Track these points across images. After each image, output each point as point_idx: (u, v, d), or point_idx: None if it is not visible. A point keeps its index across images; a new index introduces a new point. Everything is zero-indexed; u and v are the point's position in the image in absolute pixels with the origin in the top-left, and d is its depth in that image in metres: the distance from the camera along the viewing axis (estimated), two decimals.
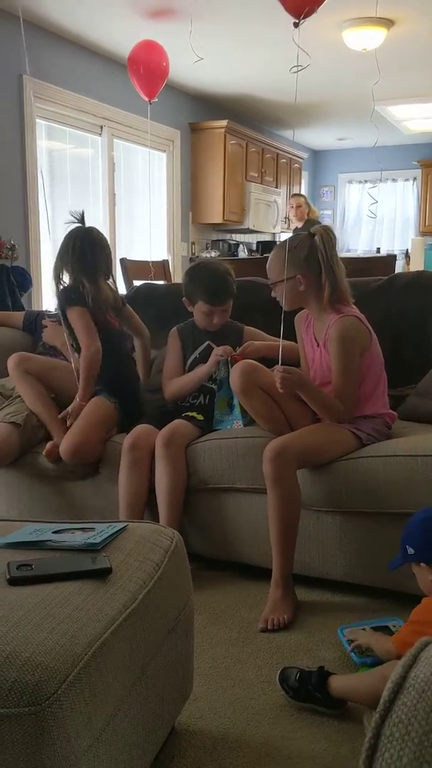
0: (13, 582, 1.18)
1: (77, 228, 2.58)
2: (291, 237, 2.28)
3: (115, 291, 2.66)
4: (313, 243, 2.17)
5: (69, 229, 2.58)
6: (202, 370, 2.51)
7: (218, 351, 2.44)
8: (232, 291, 2.51)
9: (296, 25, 3.77)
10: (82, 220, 2.60)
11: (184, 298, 2.56)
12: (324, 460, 2.12)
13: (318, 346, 2.26)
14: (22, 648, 1.01)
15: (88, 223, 2.62)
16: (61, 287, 2.58)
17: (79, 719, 1.00)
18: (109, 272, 2.63)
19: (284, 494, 2.04)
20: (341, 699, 1.56)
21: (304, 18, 3.54)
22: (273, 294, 2.30)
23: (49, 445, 2.46)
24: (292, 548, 2.07)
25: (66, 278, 2.57)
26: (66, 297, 2.55)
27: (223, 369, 2.43)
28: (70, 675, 1.00)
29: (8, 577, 1.19)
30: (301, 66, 3.01)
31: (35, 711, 0.95)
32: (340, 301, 2.20)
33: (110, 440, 2.46)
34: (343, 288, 2.20)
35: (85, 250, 2.52)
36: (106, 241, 2.66)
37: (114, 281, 2.68)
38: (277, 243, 2.29)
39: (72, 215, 2.59)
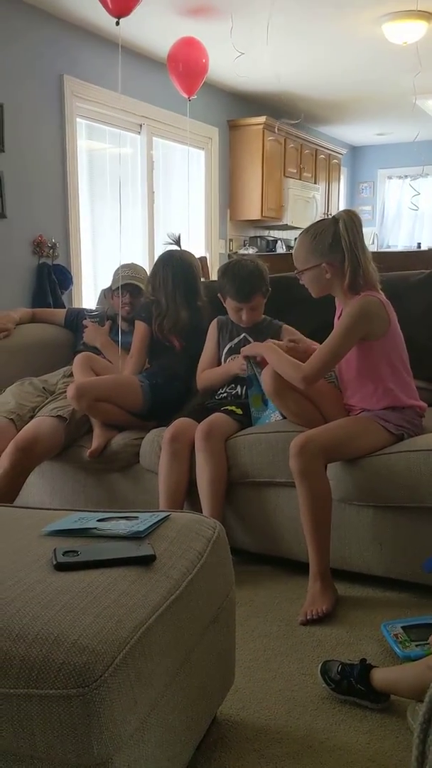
0: (60, 567, 1.20)
1: (168, 252, 2.78)
2: (315, 223, 2.24)
3: (194, 315, 2.73)
4: (337, 229, 2.14)
5: (164, 250, 2.80)
6: (230, 367, 2.56)
7: (241, 365, 2.46)
8: (259, 289, 2.52)
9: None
10: (178, 242, 2.78)
11: (219, 294, 2.60)
12: (352, 454, 2.11)
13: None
14: (70, 631, 1.03)
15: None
16: (143, 299, 2.82)
17: (126, 702, 1.01)
18: (193, 296, 2.74)
19: (312, 488, 2.04)
20: (384, 692, 1.55)
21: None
22: (301, 282, 2.29)
23: (92, 447, 2.51)
24: (326, 542, 2.07)
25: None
26: (138, 310, 2.80)
27: (250, 367, 2.44)
28: (117, 658, 1.01)
29: (55, 562, 1.21)
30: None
31: (83, 693, 0.97)
32: (366, 287, 2.16)
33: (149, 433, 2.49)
34: (368, 274, 2.16)
35: (168, 274, 2.71)
36: (194, 266, 2.79)
37: (202, 303, 2.75)
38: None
39: (169, 237, 2.79)
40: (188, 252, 2.81)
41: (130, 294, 2.88)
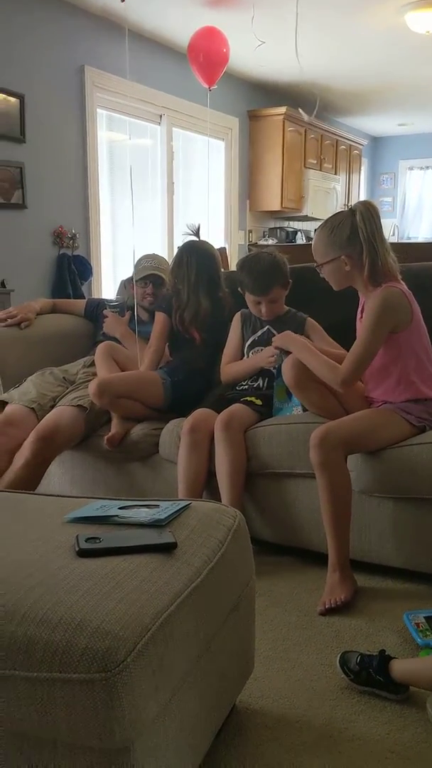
0: (82, 554, 1.20)
1: (191, 242, 2.76)
2: (332, 216, 2.23)
3: (215, 306, 2.71)
4: (354, 221, 2.12)
5: (184, 241, 2.78)
6: (256, 361, 2.54)
7: (269, 356, 2.46)
8: (277, 281, 2.50)
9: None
10: (197, 233, 2.77)
11: (239, 288, 2.60)
12: (373, 446, 2.10)
13: (361, 318, 2.23)
14: (93, 616, 1.03)
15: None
16: (165, 290, 2.84)
17: (147, 688, 1.02)
18: (215, 287, 2.72)
19: (332, 479, 2.04)
20: (403, 683, 1.55)
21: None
22: (321, 275, 2.28)
23: (111, 433, 2.51)
24: (346, 533, 2.06)
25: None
26: (159, 301, 2.82)
27: (280, 358, 2.43)
28: (139, 644, 1.02)
29: (77, 549, 1.22)
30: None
31: (105, 677, 0.97)
32: (386, 278, 2.14)
33: (168, 423, 2.49)
34: (387, 264, 2.14)
35: (192, 264, 2.69)
36: (215, 257, 2.77)
37: (223, 294, 2.74)
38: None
39: (188, 228, 2.78)
40: (209, 243, 2.81)
41: (152, 285, 2.89)
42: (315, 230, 2.33)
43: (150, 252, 3.08)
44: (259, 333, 2.61)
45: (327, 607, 1.98)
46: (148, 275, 2.89)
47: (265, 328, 2.60)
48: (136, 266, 2.98)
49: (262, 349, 2.56)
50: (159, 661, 1.05)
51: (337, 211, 2.25)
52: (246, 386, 2.57)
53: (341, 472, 2.06)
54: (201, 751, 1.28)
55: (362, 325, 2.13)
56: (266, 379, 2.52)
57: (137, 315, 2.91)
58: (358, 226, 2.11)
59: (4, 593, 1.09)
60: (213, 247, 2.82)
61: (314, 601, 2.04)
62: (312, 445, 2.06)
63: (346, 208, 2.20)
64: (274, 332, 2.54)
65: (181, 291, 2.69)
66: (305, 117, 5.02)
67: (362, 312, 2.23)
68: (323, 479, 2.04)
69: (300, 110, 4.93)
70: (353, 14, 4.93)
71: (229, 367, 2.63)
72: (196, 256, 2.70)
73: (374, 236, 2.11)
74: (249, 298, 2.56)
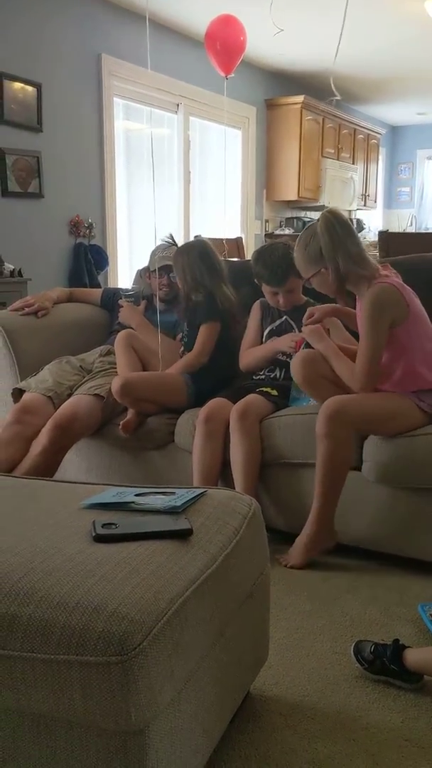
0: (99, 539, 1.21)
1: (181, 246, 2.77)
2: (304, 231, 2.25)
3: (223, 299, 2.70)
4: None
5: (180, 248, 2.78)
6: (275, 345, 2.55)
7: (289, 342, 2.46)
8: (291, 272, 2.47)
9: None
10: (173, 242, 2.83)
11: (255, 280, 2.60)
12: (383, 431, 2.11)
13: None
14: (109, 600, 1.04)
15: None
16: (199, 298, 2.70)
17: (163, 672, 1.03)
18: (217, 279, 2.71)
19: (333, 453, 2.09)
20: (417, 672, 1.55)
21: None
22: (312, 286, 2.29)
23: (126, 419, 2.52)
24: (333, 506, 2.14)
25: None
26: (211, 309, 2.66)
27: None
28: (155, 628, 1.03)
29: (94, 534, 1.23)
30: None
31: (122, 660, 0.98)
32: (370, 278, 2.12)
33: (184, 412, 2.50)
34: (365, 265, 2.11)
35: (186, 263, 2.70)
36: (209, 249, 2.75)
37: (226, 285, 2.73)
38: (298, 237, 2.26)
39: (164, 240, 2.87)
40: (198, 239, 2.80)
41: (168, 276, 2.88)
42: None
43: (167, 239, 3.05)
44: (278, 323, 2.62)
45: (283, 563, 2.18)
46: (164, 266, 2.88)
47: (284, 318, 2.61)
48: (151, 256, 2.98)
49: (286, 335, 2.55)
50: (174, 645, 1.06)
51: (308, 226, 2.26)
52: (263, 376, 2.57)
53: (344, 447, 2.10)
54: (215, 735, 1.29)
55: (360, 327, 2.15)
56: (283, 370, 2.52)
57: (156, 304, 2.91)
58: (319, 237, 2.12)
59: (21, 576, 1.10)
60: (204, 240, 2.81)
61: (328, 590, 2.04)
62: (321, 416, 2.08)
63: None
64: (292, 323, 2.55)
65: (189, 293, 2.69)
66: (336, 96, 5.00)
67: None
68: (324, 450, 2.09)
69: (334, 87, 4.91)
70: (372, 2, 4.87)
71: (248, 353, 2.64)
72: (187, 254, 2.69)
73: (336, 248, 2.10)
74: (266, 289, 2.57)
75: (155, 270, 2.89)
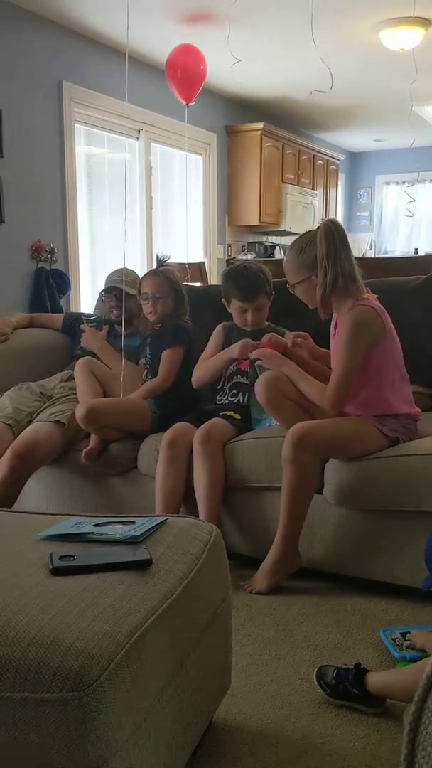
0: (56, 572, 1.20)
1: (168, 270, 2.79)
2: (300, 237, 2.27)
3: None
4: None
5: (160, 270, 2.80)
6: (225, 354, 2.54)
7: (247, 350, 2.43)
8: (263, 288, 2.52)
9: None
10: (160, 263, 2.85)
11: (222, 299, 2.59)
12: (346, 455, 2.13)
13: (335, 335, 2.26)
14: (66, 635, 1.03)
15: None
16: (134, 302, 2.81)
17: (121, 707, 1.02)
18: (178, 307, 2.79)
19: (298, 477, 2.10)
20: (379, 696, 1.55)
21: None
22: (294, 294, 2.31)
23: (89, 446, 2.50)
24: (297, 527, 2.14)
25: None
26: (180, 334, 2.71)
27: (252, 371, 2.45)
28: (113, 662, 1.01)
29: (51, 567, 1.21)
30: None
31: (79, 696, 0.97)
32: (353, 296, 2.16)
33: (147, 438, 2.49)
34: (354, 282, 2.16)
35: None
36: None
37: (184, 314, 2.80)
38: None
39: (158, 257, 2.87)
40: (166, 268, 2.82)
41: (116, 298, 2.88)
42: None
43: (121, 267, 3.05)
44: None
45: (248, 589, 2.17)
46: (109, 287, 2.89)
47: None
48: (105, 281, 2.98)
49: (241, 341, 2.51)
50: (133, 679, 1.05)
51: (305, 232, 2.28)
52: (226, 401, 2.57)
53: (309, 472, 2.11)
54: None
55: (338, 346, 2.16)
56: (246, 394, 2.52)
57: (113, 328, 2.91)
58: (317, 244, 2.14)
59: None
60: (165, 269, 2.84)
61: (292, 616, 2.04)
62: (287, 442, 2.09)
63: (317, 228, 2.23)
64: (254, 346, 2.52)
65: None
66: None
67: (335, 328, 2.26)
68: (290, 475, 2.10)
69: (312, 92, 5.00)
70: (329, 32, 5.00)
71: (199, 366, 2.60)
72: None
73: (331, 256, 2.13)
74: (235, 306, 2.54)
75: (103, 293, 2.92)
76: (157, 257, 2.86)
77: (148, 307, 2.74)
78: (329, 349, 2.33)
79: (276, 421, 2.31)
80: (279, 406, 2.23)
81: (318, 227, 2.19)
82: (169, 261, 2.87)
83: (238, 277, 2.54)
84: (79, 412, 2.44)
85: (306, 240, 2.20)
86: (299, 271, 2.21)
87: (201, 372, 2.60)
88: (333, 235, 2.14)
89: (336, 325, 2.26)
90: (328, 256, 2.12)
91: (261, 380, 2.24)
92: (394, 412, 2.19)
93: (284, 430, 2.28)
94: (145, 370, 2.76)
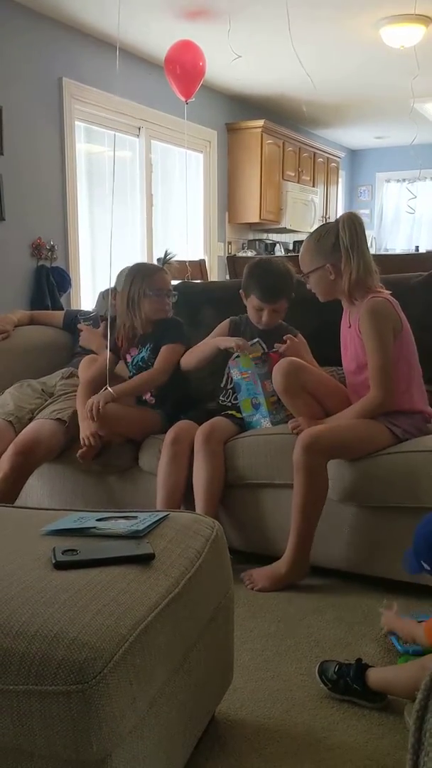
0: (59, 566, 1.20)
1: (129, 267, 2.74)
2: (321, 226, 2.29)
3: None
4: (338, 230, 2.16)
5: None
6: (215, 341, 2.51)
7: (235, 342, 2.41)
8: (286, 292, 2.44)
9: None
10: (162, 261, 2.81)
11: (241, 291, 2.52)
12: (356, 455, 2.12)
13: (350, 327, 2.25)
14: (69, 628, 1.03)
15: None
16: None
17: (125, 699, 1.02)
18: None
19: (312, 484, 2.08)
20: (381, 692, 1.56)
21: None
22: (308, 286, 2.30)
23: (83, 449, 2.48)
24: (310, 537, 2.12)
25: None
26: (176, 331, 2.64)
27: (235, 372, 2.44)
28: (116, 655, 1.02)
29: (54, 561, 1.21)
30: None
31: (82, 689, 0.97)
32: (369, 289, 2.17)
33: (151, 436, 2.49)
34: (369, 275, 2.17)
35: (129, 287, 2.66)
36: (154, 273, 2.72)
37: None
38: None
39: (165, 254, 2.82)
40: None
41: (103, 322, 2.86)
42: (295, 241, 2.37)
43: (126, 265, 3.03)
44: (250, 344, 2.50)
45: (246, 582, 2.17)
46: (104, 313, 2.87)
47: (256, 340, 2.49)
48: (118, 277, 2.96)
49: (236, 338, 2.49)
50: (136, 672, 1.05)
51: (326, 222, 2.29)
52: (228, 402, 2.56)
53: (321, 477, 2.09)
54: (179, 762, 1.28)
55: (365, 339, 2.14)
56: None
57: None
58: (339, 234, 2.14)
59: None
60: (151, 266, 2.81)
61: (294, 611, 2.04)
62: (299, 447, 2.07)
63: (325, 221, 2.24)
64: (263, 346, 2.47)
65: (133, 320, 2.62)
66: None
67: (349, 324, 2.25)
68: (302, 480, 2.07)
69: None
70: (330, 29, 5.00)
71: (189, 352, 2.56)
72: (133, 277, 2.65)
73: (353, 247, 2.14)
74: (252, 302, 2.46)
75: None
76: (166, 253, 2.80)
77: (164, 303, 2.63)
78: (339, 343, 2.33)
79: (289, 409, 2.29)
80: (295, 396, 2.22)
81: (337, 219, 2.20)
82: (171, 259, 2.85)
83: (263, 274, 2.45)
84: (96, 414, 2.39)
85: (325, 229, 2.21)
86: (315, 258, 2.20)
87: (189, 359, 2.56)
88: (355, 226, 2.15)
89: (344, 317, 2.27)
90: (351, 245, 2.13)
91: (280, 367, 2.21)
92: (409, 409, 2.18)
93: (285, 428, 2.29)
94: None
